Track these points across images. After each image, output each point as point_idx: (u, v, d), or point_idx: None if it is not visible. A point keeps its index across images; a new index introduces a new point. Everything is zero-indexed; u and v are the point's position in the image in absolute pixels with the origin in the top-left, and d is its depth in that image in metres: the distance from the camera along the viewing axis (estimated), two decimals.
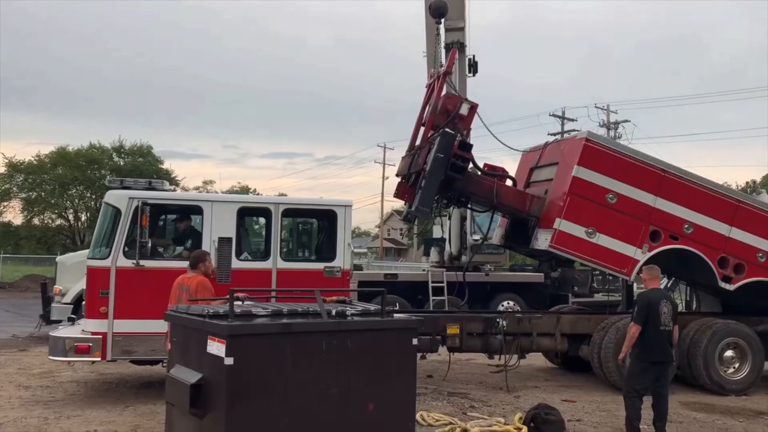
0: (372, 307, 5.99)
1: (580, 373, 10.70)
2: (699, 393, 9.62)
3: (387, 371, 5.50)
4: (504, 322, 9.63)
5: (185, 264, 7.13)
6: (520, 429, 7.09)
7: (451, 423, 7.20)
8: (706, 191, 9.71)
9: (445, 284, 14.05)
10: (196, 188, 50.22)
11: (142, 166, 40.43)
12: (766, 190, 12.93)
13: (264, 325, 5.02)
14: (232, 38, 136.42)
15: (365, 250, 68.23)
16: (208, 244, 8.38)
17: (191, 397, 4.79)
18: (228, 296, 5.05)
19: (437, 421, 7.28)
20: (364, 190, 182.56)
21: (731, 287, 9.69)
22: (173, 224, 9.69)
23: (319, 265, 8.99)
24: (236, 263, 8.54)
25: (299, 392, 4.98)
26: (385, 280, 14.49)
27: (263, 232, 9.38)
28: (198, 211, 8.81)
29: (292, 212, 9.78)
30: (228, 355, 4.60)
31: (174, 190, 14.26)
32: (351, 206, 9.29)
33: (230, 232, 8.56)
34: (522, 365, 10.28)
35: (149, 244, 8.30)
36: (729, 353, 9.84)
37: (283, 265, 8.78)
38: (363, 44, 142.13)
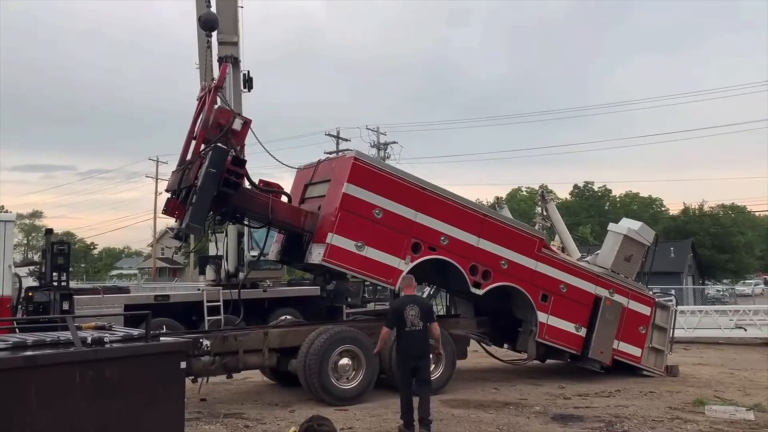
0: (136, 331, 5.66)
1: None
2: (458, 391, 10.59)
3: (152, 399, 5.24)
4: (207, 342, 9.07)
5: None
6: None
7: None
8: (458, 206, 10.69)
9: (221, 303, 13.68)
10: None
11: None
12: (508, 206, 14.71)
13: (2, 359, 4.46)
14: None
15: (136, 271, 63.76)
16: None
17: None
18: None
19: None
20: (135, 207, 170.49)
21: (480, 292, 10.77)
22: None
23: None
24: None
25: None
26: (156, 302, 13.68)
27: None
28: None
29: None
30: None
31: None
32: (13, 222, 8.45)
33: None
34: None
35: None
36: None
37: None
38: (132, 49, 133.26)
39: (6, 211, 41.46)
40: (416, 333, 7.82)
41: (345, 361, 9.68)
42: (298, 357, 9.57)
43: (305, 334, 9.80)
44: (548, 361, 12.89)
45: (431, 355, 8.26)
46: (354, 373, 9.72)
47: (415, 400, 7.80)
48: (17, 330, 5.92)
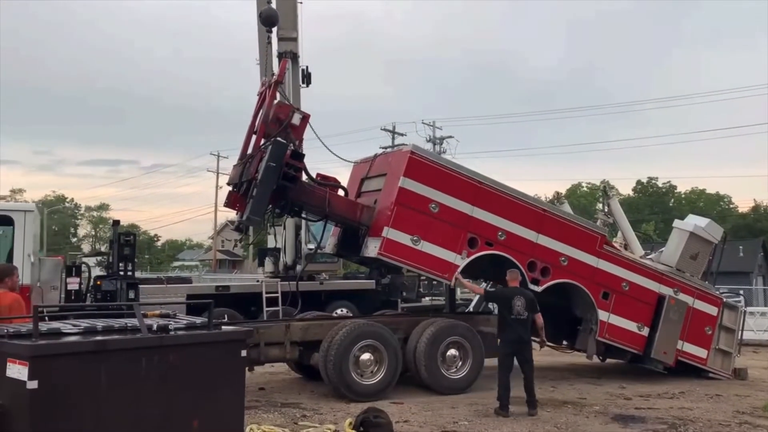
0: (198, 320, 5.80)
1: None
2: (514, 388, 10.25)
3: (214, 386, 5.35)
4: None
5: None
6: None
7: None
8: (517, 201, 10.52)
9: (279, 294, 13.96)
10: (1, 197, 45.11)
11: None
12: (568, 201, 14.40)
13: (74, 343, 4.65)
14: (44, 36, 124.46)
15: (197, 263, 65.64)
16: None
17: None
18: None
19: None
20: (196, 200, 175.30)
21: (539, 289, 10.54)
22: None
23: None
24: None
25: (115, 415, 4.69)
26: (217, 293, 14.08)
27: None
28: None
29: None
30: (31, 378, 4.23)
31: None
32: (33, 211, 8.51)
33: None
34: None
35: None
36: (451, 352, 10.04)
37: None
38: (194, 48, 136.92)
39: (74, 204, 43.15)
40: (522, 321, 8.78)
41: (366, 356, 9.51)
42: (320, 351, 9.47)
43: (328, 328, 9.71)
44: (608, 360, 12.58)
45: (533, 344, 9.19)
46: (376, 368, 9.56)
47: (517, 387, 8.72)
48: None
